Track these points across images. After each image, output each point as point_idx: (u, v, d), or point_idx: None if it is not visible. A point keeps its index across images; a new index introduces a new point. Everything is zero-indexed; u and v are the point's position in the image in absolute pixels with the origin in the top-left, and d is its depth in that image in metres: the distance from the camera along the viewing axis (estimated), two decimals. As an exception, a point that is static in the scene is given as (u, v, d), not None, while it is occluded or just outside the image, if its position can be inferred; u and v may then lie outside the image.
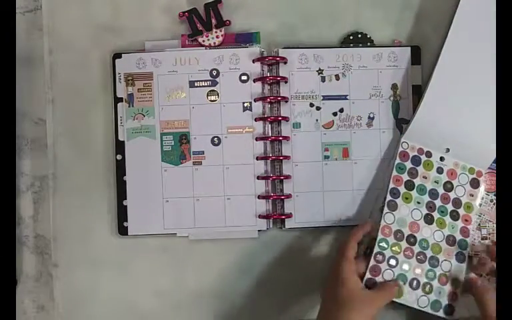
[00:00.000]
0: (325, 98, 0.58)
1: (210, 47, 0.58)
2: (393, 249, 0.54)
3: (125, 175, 0.58)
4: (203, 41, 0.58)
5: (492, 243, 0.56)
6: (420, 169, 0.56)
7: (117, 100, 0.58)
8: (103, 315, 0.58)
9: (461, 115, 0.56)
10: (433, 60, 0.58)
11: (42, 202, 0.61)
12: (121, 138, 0.58)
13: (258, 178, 0.58)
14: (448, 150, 0.57)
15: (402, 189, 0.56)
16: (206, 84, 0.58)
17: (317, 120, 0.58)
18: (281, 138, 0.58)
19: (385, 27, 0.59)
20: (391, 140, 0.58)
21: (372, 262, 0.54)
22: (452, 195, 0.56)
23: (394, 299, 0.53)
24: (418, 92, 0.58)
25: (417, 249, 0.55)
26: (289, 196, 0.58)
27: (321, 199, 0.58)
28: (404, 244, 0.55)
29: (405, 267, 0.54)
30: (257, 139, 0.58)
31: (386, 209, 0.55)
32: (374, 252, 0.54)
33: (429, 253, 0.55)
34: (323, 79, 0.58)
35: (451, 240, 0.55)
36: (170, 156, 0.58)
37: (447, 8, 0.58)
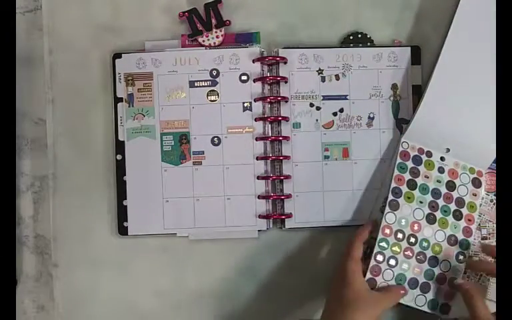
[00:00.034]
0: (325, 98, 0.58)
1: (210, 47, 0.58)
2: (393, 249, 0.54)
3: (125, 175, 0.58)
4: (203, 41, 0.58)
5: (486, 245, 0.56)
6: (421, 168, 0.56)
7: (117, 100, 0.58)
8: (103, 314, 0.58)
9: (461, 114, 0.56)
10: (433, 60, 0.58)
11: (42, 202, 0.61)
12: (120, 138, 0.58)
13: (258, 178, 0.58)
14: (448, 150, 0.57)
15: (404, 188, 0.56)
16: (206, 84, 0.58)
17: (316, 120, 0.58)
18: (280, 138, 0.58)
19: (385, 27, 0.59)
20: (390, 140, 0.58)
21: (372, 262, 0.54)
22: (455, 194, 0.56)
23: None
24: (418, 92, 0.58)
25: (417, 249, 0.55)
26: (289, 196, 0.58)
27: (321, 198, 0.58)
28: (404, 244, 0.54)
29: (405, 266, 0.54)
30: (257, 139, 0.58)
31: (387, 209, 0.55)
32: (374, 252, 0.54)
33: (429, 253, 0.55)
34: (323, 79, 0.58)
35: (452, 240, 0.55)
36: (170, 156, 0.58)
37: (447, 8, 0.58)
